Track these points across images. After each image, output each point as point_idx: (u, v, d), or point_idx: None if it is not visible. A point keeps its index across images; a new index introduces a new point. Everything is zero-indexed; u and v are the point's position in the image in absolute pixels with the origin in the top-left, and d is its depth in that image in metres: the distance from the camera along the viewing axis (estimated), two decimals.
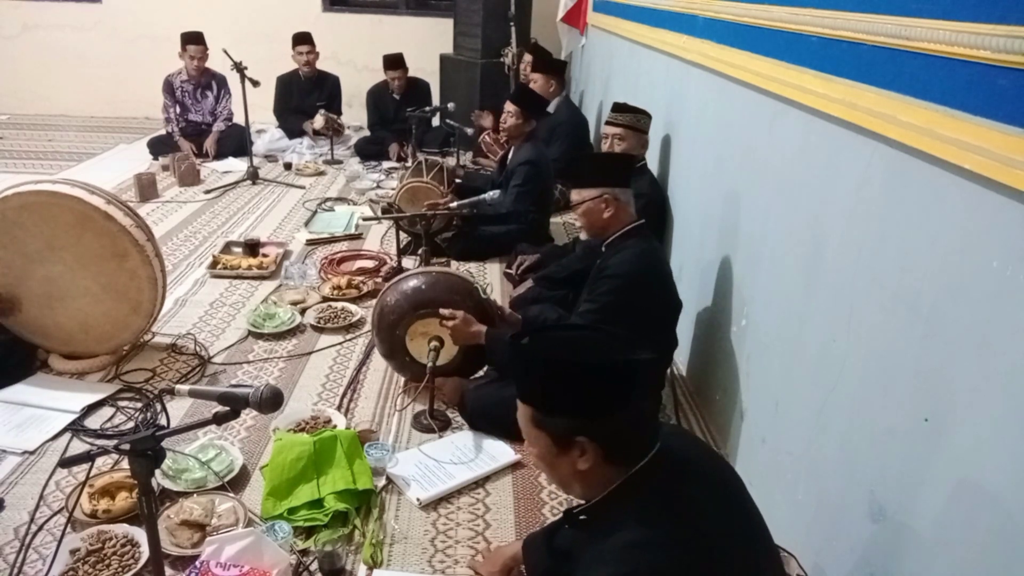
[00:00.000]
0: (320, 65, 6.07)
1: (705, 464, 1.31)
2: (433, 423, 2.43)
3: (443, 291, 2.51)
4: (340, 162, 5.73)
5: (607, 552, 1.16)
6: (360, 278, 3.49)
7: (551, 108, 4.96)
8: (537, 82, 4.88)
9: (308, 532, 1.94)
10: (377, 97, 5.96)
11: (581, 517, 1.30)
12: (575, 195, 2.35)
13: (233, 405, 1.38)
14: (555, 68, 5.10)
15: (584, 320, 2.25)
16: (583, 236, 2.45)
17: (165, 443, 1.34)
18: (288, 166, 5.55)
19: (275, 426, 2.32)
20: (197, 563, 1.75)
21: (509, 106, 3.89)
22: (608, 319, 2.16)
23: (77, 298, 2.62)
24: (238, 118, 5.51)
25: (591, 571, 1.17)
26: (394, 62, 5.72)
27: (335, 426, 2.34)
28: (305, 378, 2.73)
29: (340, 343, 2.98)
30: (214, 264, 3.61)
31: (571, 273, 3.01)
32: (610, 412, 1.18)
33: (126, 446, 1.30)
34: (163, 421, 2.37)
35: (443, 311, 2.42)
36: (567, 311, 2.69)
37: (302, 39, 5.85)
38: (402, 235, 3.69)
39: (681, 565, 1.11)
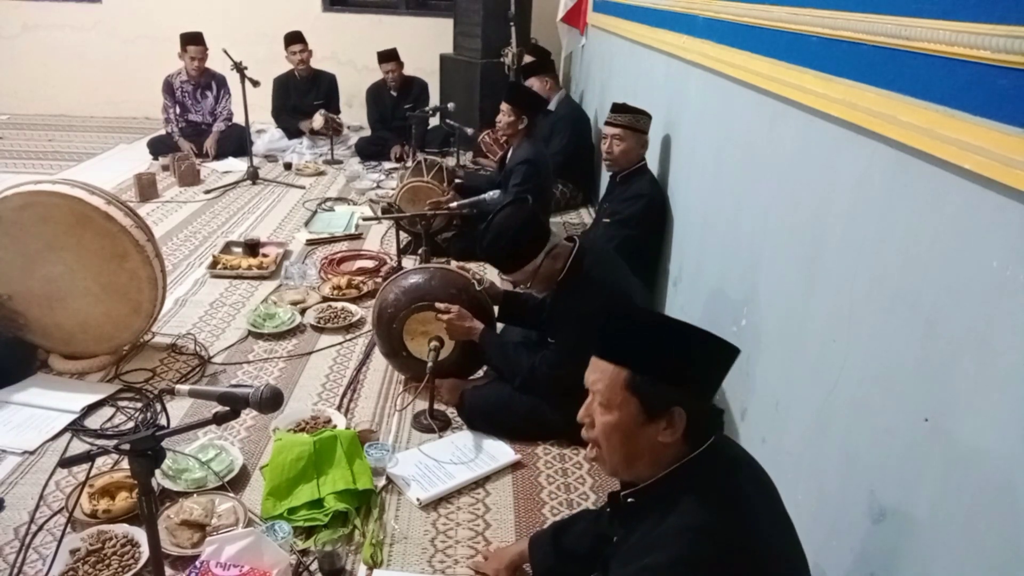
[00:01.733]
0: (320, 65, 6.07)
1: (752, 465, 1.32)
2: (433, 423, 2.43)
3: (440, 285, 2.52)
4: (340, 162, 5.74)
5: (664, 535, 1.14)
6: (360, 278, 3.50)
7: (552, 105, 4.98)
8: (534, 85, 4.96)
9: (308, 532, 1.94)
10: (375, 94, 5.97)
11: (629, 500, 1.28)
12: (521, 275, 2.24)
13: (233, 405, 1.38)
14: (547, 68, 5.21)
15: (553, 361, 2.24)
16: (539, 294, 2.32)
17: (165, 443, 1.34)
18: (288, 166, 5.55)
19: (275, 426, 2.32)
20: (197, 563, 1.75)
21: (503, 105, 3.88)
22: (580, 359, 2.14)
23: (77, 298, 2.62)
24: (238, 118, 5.51)
25: (647, 556, 1.14)
26: (387, 56, 5.74)
27: (335, 426, 2.34)
28: (305, 378, 2.73)
29: (340, 343, 2.98)
30: (214, 264, 3.61)
31: None
32: (711, 386, 1.21)
33: (126, 446, 1.30)
34: (163, 421, 2.37)
35: (438, 305, 2.42)
36: None
37: (294, 38, 5.84)
38: (402, 235, 3.69)
39: (741, 555, 1.11)
